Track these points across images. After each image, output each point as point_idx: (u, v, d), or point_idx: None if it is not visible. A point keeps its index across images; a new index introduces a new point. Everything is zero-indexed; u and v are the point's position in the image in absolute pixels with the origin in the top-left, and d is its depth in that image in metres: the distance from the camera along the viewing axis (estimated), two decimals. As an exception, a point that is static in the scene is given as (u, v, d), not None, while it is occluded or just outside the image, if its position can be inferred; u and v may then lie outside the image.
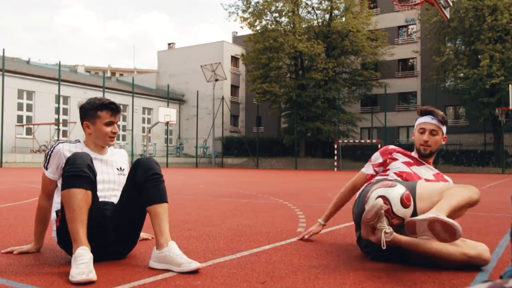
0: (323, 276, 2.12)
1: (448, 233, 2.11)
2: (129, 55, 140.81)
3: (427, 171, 2.77)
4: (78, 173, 2.17)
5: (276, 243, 2.95)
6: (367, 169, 2.87)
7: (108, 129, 2.54)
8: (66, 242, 2.35)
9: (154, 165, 2.40)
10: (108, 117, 2.54)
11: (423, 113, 2.80)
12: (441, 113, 2.79)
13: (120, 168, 2.65)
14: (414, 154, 2.86)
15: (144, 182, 2.33)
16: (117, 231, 2.37)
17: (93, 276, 1.96)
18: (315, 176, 17.46)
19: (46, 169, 2.50)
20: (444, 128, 2.81)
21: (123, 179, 2.63)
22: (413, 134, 2.87)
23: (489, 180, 14.25)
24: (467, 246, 2.27)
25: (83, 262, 2.01)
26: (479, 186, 10.82)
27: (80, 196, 2.15)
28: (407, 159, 2.80)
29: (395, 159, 2.80)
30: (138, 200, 2.35)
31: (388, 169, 2.78)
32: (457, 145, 30.95)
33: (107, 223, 2.33)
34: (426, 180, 2.69)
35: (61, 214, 2.29)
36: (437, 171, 2.82)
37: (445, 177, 2.83)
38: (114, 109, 2.56)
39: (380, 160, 2.85)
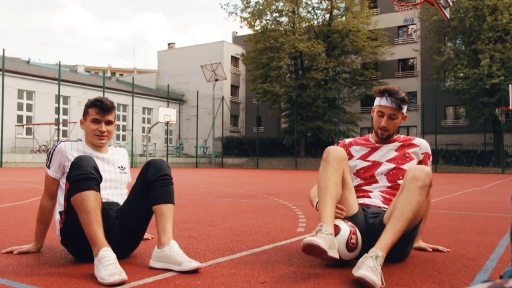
0: (323, 276, 2.12)
1: None
2: (126, 55, 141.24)
3: (386, 152, 2.72)
4: (87, 175, 2.16)
5: (276, 243, 2.95)
6: None
7: (94, 126, 2.54)
8: (71, 244, 2.35)
9: (166, 166, 2.42)
10: (94, 114, 2.54)
11: (382, 94, 2.65)
12: (402, 94, 2.62)
13: (122, 167, 2.65)
14: (371, 137, 2.81)
15: (154, 182, 2.35)
16: (122, 231, 2.37)
17: (124, 275, 1.95)
18: (315, 176, 17.41)
19: (49, 168, 2.51)
20: (404, 109, 2.67)
21: (124, 178, 2.64)
22: (372, 111, 2.76)
23: (489, 180, 14.24)
24: None
25: (111, 263, 1.99)
26: (479, 186, 10.82)
27: (93, 198, 2.14)
28: (363, 151, 2.77)
29: (352, 156, 2.78)
30: (146, 200, 2.36)
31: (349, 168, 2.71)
32: (457, 145, 30.95)
33: (112, 224, 2.33)
34: (387, 161, 2.67)
35: (65, 217, 2.28)
36: (399, 144, 2.72)
37: (412, 141, 2.73)
38: (100, 106, 2.54)
39: None
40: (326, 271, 2.21)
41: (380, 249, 2.08)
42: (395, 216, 2.22)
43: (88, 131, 2.56)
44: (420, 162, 2.68)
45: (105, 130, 2.56)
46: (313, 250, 2.06)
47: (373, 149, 2.76)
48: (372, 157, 2.73)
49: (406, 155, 2.68)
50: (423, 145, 2.72)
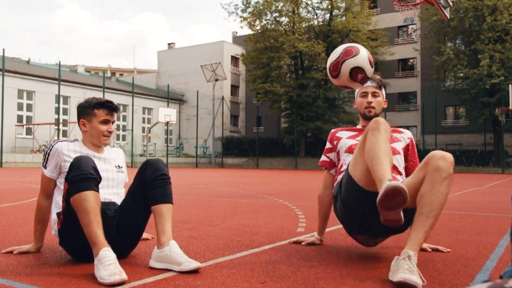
0: (323, 276, 2.12)
1: None
2: (126, 55, 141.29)
3: None
4: (87, 175, 2.16)
5: (276, 243, 2.95)
6: (321, 158, 2.96)
7: (104, 127, 2.55)
8: (69, 244, 2.35)
9: (163, 166, 2.41)
10: (104, 115, 2.55)
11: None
12: (378, 76, 2.82)
13: (118, 166, 2.65)
14: (359, 126, 2.91)
15: (152, 182, 2.34)
16: (120, 231, 2.37)
17: (124, 275, 1.94)
18: (315, 176, 17.46)
19: (45, 168, 2.51)
20: (383, 91, 2.83)
21: (121, 177, 2.64)
22: (355, 103, 2.88)
23: (489, 180, 14.24)
24: None
25: (110, 263, 1.99)
26: (479, 186, 10.82)
27: (92, 198, 2.14)
28: (352, 133, 2.85)
29: (340, 138, 2.84)
30: (144, 199, 2.36)
31: (339, 151, 2.80)
32: (457, 145, 30.93)
33: (109, 224, 2.33)
34: None
35: (63, 217, 2.28)
36: None
37: (399, 130, 2.83)
38: (110, 107, 2.57)
39: (329, 145, 2.92)
40: (326, 271, 2.21)
41: (411, 249, 2.06)
42: (423, 214, 2.13)
43: (96, 132, 2.54)
44: (407, 146, 2.78)
45: (112, 130, 2.60)
46: (397, 196, 1.99)
47: (360, 131, 2.84)
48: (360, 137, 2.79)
49: (393, 137, 2.75)
50: (406, 132, 2.85)
